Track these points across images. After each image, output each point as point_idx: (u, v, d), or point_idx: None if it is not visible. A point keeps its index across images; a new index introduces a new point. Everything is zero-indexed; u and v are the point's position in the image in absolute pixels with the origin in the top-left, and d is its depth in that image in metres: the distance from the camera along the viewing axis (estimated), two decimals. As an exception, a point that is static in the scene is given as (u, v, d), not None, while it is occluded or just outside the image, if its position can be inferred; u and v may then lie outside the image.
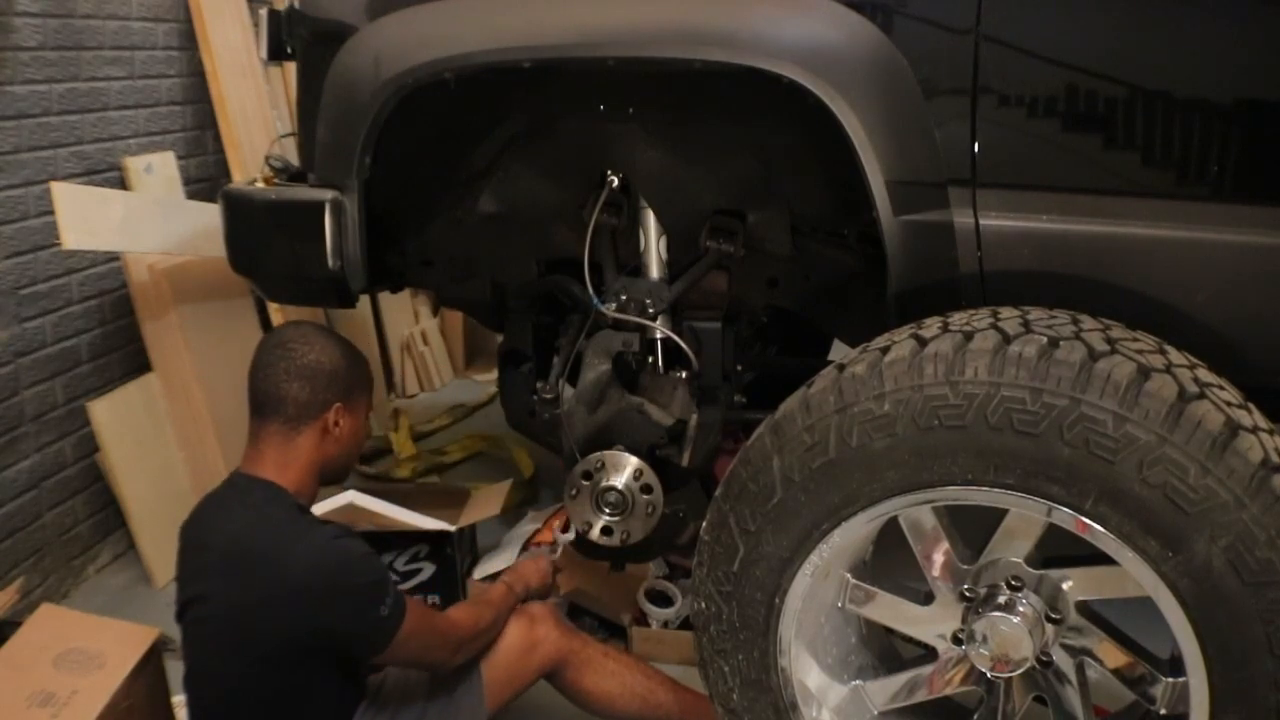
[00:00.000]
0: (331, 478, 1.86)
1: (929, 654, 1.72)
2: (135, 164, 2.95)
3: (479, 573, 2.68)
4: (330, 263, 1.99)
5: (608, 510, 2.10)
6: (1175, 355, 1.48)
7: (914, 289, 1.74)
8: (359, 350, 1.88)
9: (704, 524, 1.68)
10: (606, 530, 2.12)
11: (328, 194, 1.97)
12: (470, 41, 1.83)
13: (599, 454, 2.09)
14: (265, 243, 2.16)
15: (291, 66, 2.25)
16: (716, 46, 1.71)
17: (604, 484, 2.09)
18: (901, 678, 1.72)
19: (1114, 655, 1.59)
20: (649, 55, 1.74)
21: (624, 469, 2.09)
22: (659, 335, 2.16)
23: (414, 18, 1.88)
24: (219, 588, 1.67)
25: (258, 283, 2.37)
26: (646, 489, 2.09)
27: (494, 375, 2.92)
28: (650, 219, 2.14)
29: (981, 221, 1.68)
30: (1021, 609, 1.56)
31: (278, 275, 2.23)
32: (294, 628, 1.64)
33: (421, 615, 1.74)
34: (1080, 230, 1.65)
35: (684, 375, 2.19)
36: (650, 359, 2.21)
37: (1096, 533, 1.43)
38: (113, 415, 2.81)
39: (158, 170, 3.04)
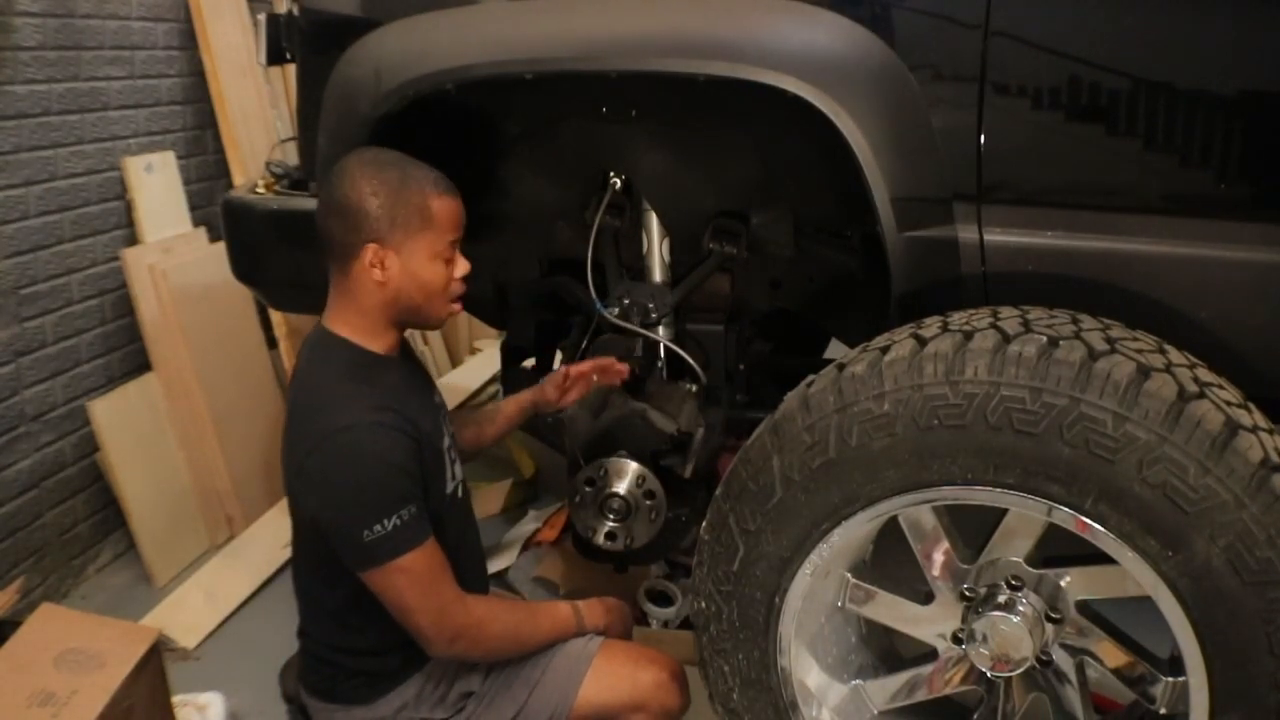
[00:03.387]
0: (413, 322, 1.66)
1: (929, 653, 1.72)
2: (135, 164, 2.95)
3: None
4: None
5: (611, 516, 2.10)
6: (1175, 355, 1.48)
7: (917, 304, 1.73)
8: (416, 182, 1.60)
9: (704, 523, 1.68)
10: (610, 536, 2.12)
11: None
12: (472, 54, 1.81)
13: (602, 460, 2.09)
14: (267, 251, 2.16)
15: (292, 66, 2.25)
16: (720, 60, 1.69)
17: (607, 490, 2.09)
18: (901, 677, 1.73)
19: (1114, 655, 1.59)
20: (651, 69, 1.73)
21: (627, 475, 2.09)
22: (661, 346, 2.17)
23: (415, 28, 1.87)
24: (285, 438, 1.62)
25: (260, 290, 2.37)
26: (650, 495, 2.09)
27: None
28: (653, 221, 2.14)
29: (986, 237, 1.68)
30: (1021, 608, 1.56)
31: (279, 283, 2.23)
32: (298, 505, 1.59)
33: (424, 573, 1.55)
34: (1085, 246, 1.65)
35: (694, 389, 2.19)
36: (656, 363, 2.21)
37: (1096, 532, 1.43)
38: (113, 415, 2.81)
39: (158, 170, 3.04)
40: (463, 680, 1.72)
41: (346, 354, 1.62)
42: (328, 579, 1.64)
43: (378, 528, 1.50)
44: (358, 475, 1.51)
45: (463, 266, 1.66)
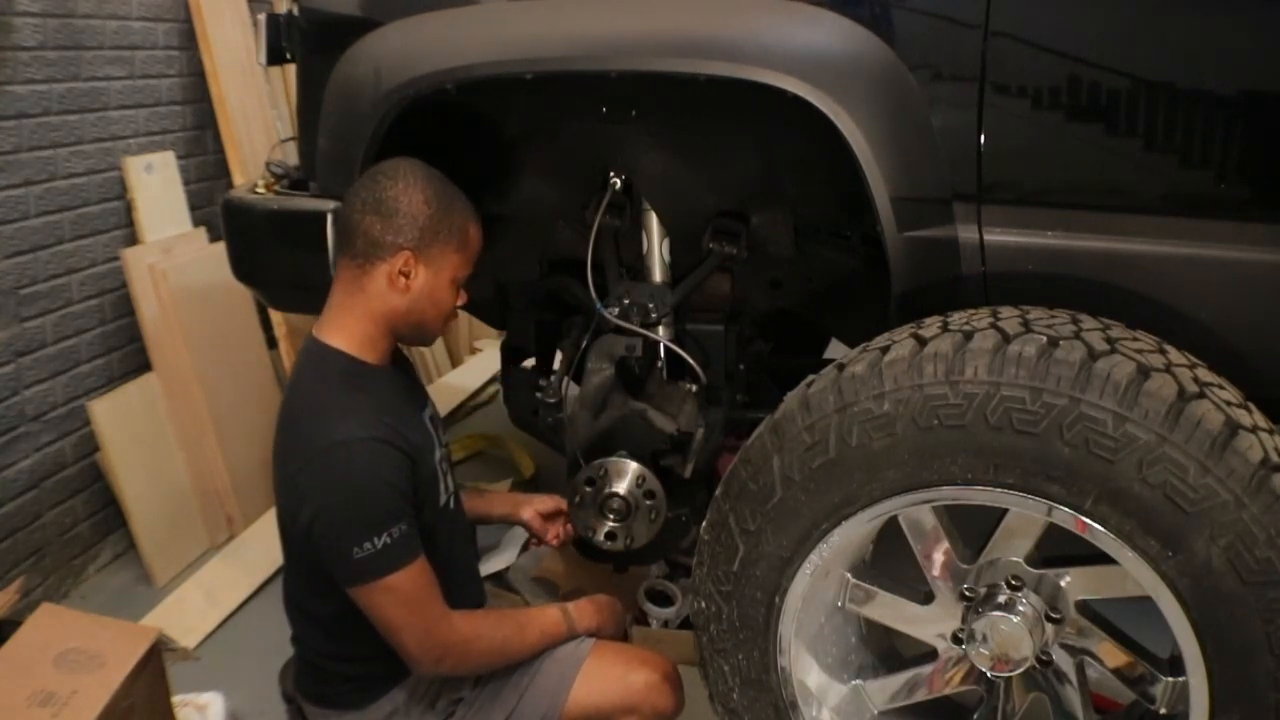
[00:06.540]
0: (408, 338, 1.69)
1: (929, 653, 1.72)
2: (135, 164, 2.95)
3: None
4: (332, 272, 1.98)
5: (611, 516, 2.10)
6: (1175, 355, 1.48)
7: (917, 304, 1.73)
8: (461, 205, 1.66)
9: (704, 523, 1.68)
10: (610, 536, 2.12)
11: (329, 204, 1.96)
12: (472, 54, 1.81)
13: (601, 460, 2.09)
14: (267, 252, 2.16)
15: (292, 66, 2.26)
16: (721, 60, 1.69)
17: (607, 490, 2.08)
18: (901, 677, 1.73)
19: (1114, 655, 1.59)
20: (651, 69, 1.73)
21: (626, 475, 2.09)
22: (661, 345, 2.17)
23: (415, 28, 1.87)
24: (276, 449, 1.63)
25: (259, 291, 2.37)
26: (650, 495, 2.09)
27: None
28: (653, 221, 2.14)
29: (986, 237, 1.68)
30: (1021, 608, 1.56)
31: (279, 284, 2.22)
32: (289, 518, 1.59)
33: (411, 592, 1.55)
34: (1085, 246, 1.65)
35: (693, 389, 2.19)
36: (656, 363, 2.21)
37: (1096, 532, 1.43)
38: (113, 415, 2.81)
39: (158, 170, 3.04)
40: (452, 686, 1.72)
41: (339, 364, 1.61)
42: (318, 590, 1.63)
43: (367, 545, 1.50)
44: (350, 491, 1.51)
45: (463, 297, 1.71)
